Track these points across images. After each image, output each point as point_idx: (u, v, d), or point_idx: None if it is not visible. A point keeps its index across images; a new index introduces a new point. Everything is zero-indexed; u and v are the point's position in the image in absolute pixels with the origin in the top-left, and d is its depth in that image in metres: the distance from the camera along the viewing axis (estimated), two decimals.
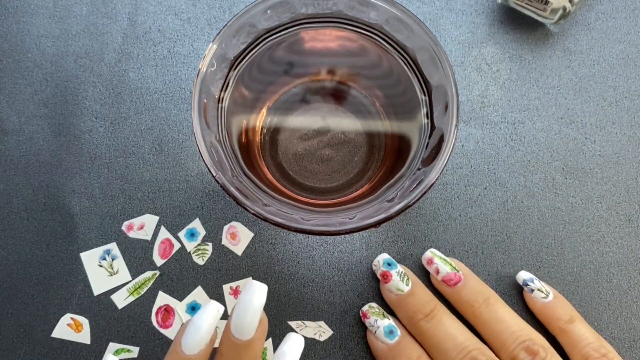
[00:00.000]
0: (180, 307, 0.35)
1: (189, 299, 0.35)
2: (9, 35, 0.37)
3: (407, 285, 0.32)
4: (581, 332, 0.32)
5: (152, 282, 0.35)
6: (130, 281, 0.35)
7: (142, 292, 0.35)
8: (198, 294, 0.35)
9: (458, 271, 0.32)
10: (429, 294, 0.33)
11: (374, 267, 0.34)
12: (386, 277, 0.33)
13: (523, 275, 0.34)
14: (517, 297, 0.35)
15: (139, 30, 0.37)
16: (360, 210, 0.28)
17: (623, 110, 0.36)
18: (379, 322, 0.32)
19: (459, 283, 0.32)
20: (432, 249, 0.34)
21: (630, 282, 0.35)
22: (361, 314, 0.34)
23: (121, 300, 0.35)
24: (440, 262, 0.33)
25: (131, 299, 0.35)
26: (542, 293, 0.33)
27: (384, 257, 0.34)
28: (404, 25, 0.27)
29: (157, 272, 0.35)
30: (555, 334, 0.32)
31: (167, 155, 0.36)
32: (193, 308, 0.35)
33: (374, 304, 0.34)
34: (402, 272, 0.33)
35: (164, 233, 0.35)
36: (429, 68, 0.28)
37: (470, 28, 0.36)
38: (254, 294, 0.26)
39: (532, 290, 0.33)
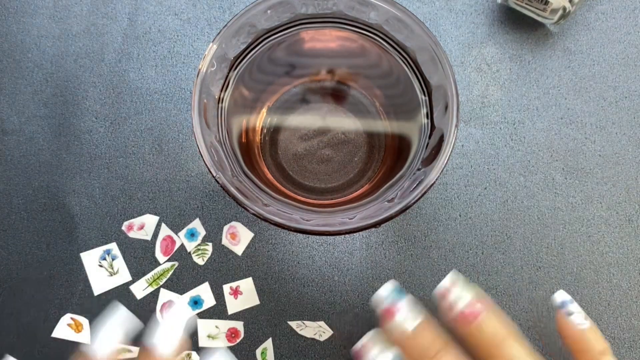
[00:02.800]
0: (183, 299, 0.35)
1: (193, 292, 0.35)
2: (9, 35, 0.37)
3: (414, 321, 0.27)
4: None
5: (171, 272, 0.35)
6: (131, 281, 0.35)
7: (161, 283, 0.35)
8: (203, 289, 0.35)
9: (478, 304, 0.28)
10: (435, 332, 0.28)
11: (373, 301, 0.29)
12: (389, 314, 0.27)
13: (561, 296, 0.31)
14: (515, 299, 0.35)
15: (139, 30, 0.37)
16: (360, 210, 0.28)
17: (623, 110, 0.36)
18: (382, 357, 0.27)
19: (477, 319, 0.27)
20: (454, 273, 0.29)
21: (630, 282, 0.35)
22: (354, 354, 0.28)
23: (140, 290, 0.35)
24: (459, 291, 0.28)
25: (150, 289, 0.35)
26: (581, 318, 0.30)
27: (388, 288, 0.28)
28: (404, 25, 0.27)
29: (176, 264, 0.35)
30: None
31: (167, 155, 0.36)
32: (196, 302, 0.35)
33: (373, 333, 0.28)
34: (409, 306, 0.28)
35: (165, 230, 0.35)
36: (429, 68, 0.28)
37: (470, 28, 0.36)
38: (177, 313, 0.28)
39: (570, 314, 0.30)
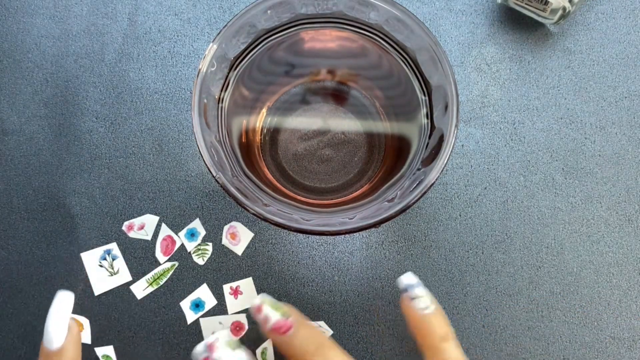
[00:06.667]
0: (184, 304, 0.35)
1: (192, 295, 0.35)
2: (10, 35, 0.37)
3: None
4: (453, 353, 0.29)
5: (171, 272, 0.35)
6: (131, 281, 0.35)
7: (161, 283, 0.35)
8: (202, 291, 0.35)
9: (288, 317, 0.30)
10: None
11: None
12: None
13: (407, 280, 0.31)
14: (515, 299, 0.35)
15: (139, 30, 0.37)
16: (360, 210, 0.28)
17: (623, 110, 0.36)
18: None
19: (289, 331, 0.29)
20: (263, 295, 0.31)
21: (630, 282, 0.35)
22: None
23: (140, 290, 0.35)
24: (270, 309, 0.30)
25: (150, 289, 0.35)
26: (425, 303, 0.30)
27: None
28: (404, 25, 0.27)
29: (176, 263, 0.35)
30: (426, 348, 0.30)
31: (167, 155, 0.36)
32: (197, 305, 0.35)
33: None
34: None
35: (165, 230, 0.35)
36: (429, 68, 0.28)
37: (470, 28, 0.36)
38: (59, 303, 0.29)
39: (414, 298, 0.30)
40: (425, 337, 0.30)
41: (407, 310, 0.31)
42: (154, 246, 0.35)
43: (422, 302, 0.30)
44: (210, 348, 0.30)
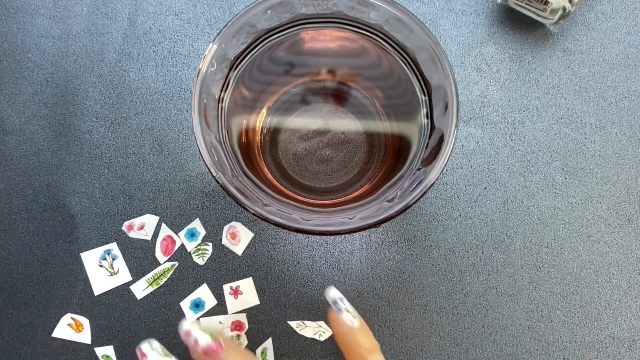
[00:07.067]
0: (184, 304, 0.35)
1: (192, 295, 0.35)
2: (10, 35, 0.37)
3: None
4: None
5: (171, 272, 0.35)
6: (131, 281, 0.35)
7: (161, 283, 0.35)
8: (202, 291, 0.35)
9: (217, 338, 0.30)
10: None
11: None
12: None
13: (333, 294, 0.32)
14: (515, 299, 0.35)
15: (139, 30, 0.37)
16: (360, 210, 0.28)
17: (623, 110, 0.36)
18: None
19: (220, 351, 0.30)
20: (188, 320, 0.31)
21: (630, 282, 0.35)
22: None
23: (140, 290, 0.35)
24: (198, 332, 0.30)
25: (150, 289, 0.35)
26: (351, 316, 0.31)
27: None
28: (404, 25, 0.27)
29: (176, 263, 0.35)
30: None
31: (167, 155, 0.36)
32: (197, 305, 0.35)
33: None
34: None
35: (165, 230, 0.35)
36: (429, 68, 0.28)
37: (470, 28, 0.36)
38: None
39: (341, 311, 0.31)
40: (351, 350, 0.31)
41: (334, 322, 0.31)
42: (154, 246, 0.35)
43: (348, 316, 0.31)
44: (141, 355, 0.30)
